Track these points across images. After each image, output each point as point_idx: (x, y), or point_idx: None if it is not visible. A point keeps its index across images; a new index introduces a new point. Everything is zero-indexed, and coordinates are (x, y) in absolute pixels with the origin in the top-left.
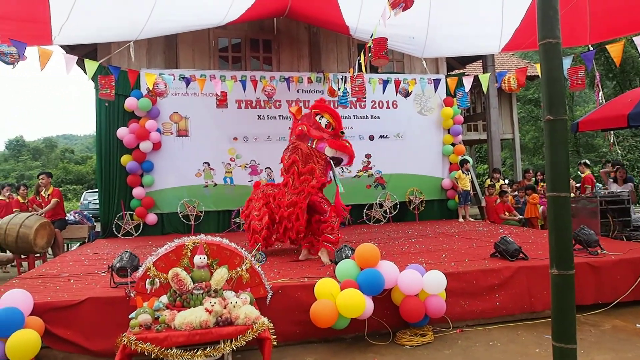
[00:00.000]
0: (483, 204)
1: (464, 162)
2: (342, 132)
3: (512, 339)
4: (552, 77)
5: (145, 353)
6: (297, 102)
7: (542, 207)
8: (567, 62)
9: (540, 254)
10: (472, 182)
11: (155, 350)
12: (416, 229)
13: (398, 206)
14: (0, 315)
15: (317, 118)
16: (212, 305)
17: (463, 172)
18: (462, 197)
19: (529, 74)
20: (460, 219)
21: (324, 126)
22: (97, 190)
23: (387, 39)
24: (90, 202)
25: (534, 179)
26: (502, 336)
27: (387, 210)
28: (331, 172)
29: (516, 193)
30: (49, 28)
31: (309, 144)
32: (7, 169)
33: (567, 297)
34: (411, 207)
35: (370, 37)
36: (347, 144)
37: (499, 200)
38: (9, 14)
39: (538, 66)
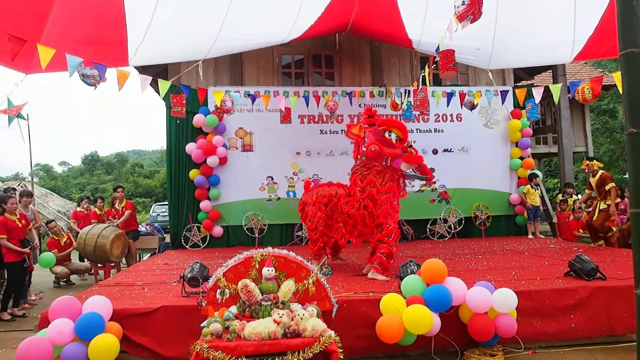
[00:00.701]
0: (554, 220)
1: (533, 177)
2: (410, 146)
3: None
4: (635, 88)
5: None
6: (359, 117)
7: (618, 220)
8: None
9: (619, 274)
10: (541, 197)
11: (226, 359)
12: (483, 246)
13: (463, 221)
14: (84, 320)
15: (387, 134)
16: (280, 317)
17: (532, 187)
18: (532, 212)
19: (604, 84)
20: (530, 236)
21: (394, 141)
22: (165, 203)
23: (454, 51)
24: (159, 215)
25: None
26: (578, 359)
27: (452, 226)
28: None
29: (590, 209)
30: (125, 50)
31: (384, 162)
32: (82, 183)
33: None
34: (477, 223)
35: (436, 50)
36: (419, 156)
37: (572, 217)
38: (90, 38)
39: (616, 75)
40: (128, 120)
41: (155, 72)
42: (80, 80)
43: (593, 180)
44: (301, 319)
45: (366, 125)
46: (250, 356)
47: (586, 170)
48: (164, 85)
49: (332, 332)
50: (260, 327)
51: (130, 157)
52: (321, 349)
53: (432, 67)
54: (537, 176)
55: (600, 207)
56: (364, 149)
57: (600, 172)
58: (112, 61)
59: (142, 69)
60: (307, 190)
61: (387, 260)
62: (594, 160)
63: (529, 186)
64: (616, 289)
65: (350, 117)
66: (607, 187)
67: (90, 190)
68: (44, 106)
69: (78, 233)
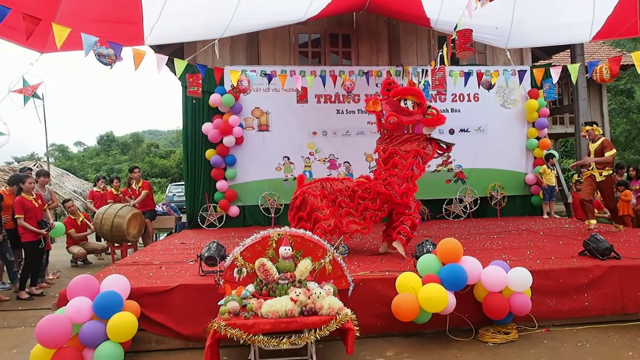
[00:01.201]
0: (570, 200)
1: (549, 157)
2: (429, 107)
3: (603, 340)
4: None
5: (235, 338)
6: (376, 97)
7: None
8: None
9: (633, 253)
10: (557, 177)
11: (244, 336)
12: (498, 225)
13: (479, 201)
14: (102, 298)
15: (402, 103)
16: (297, 295)
17: (548, 167)
18: (547, 192)
19: (621, 63)
20: (545, 216)
21: (411, 108)
22: (181, 183)
23: (472, 31)
24: (175, 195)
25: (626, 174)
26: (591, 337)
27: (467, 206)
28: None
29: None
30: (141, 29)
31: (405, 131)
32: (98, 163)
33: None
34: (492, 203)
35: (454, 29)
36: (439, 115)
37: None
38: (105, 16)
39: (634, 55)
40: (144, 101)
41: (171, 52)
42: (96, 59)
43: (593, 146)
44: (318, 297)
45: (382, 97)
46: (267, 334)
47: (586, 137)
48: (180, 64)
49: (349, 310)
50: (277, 305)
51: (145, 137)
52: (337, 326)
53: (450, 46)
54: (554, 156)
55: (597, 180)
56: (384, 122)
57: (602, 138)
58: (127, 40)
59: (158, 48)
60: (301, 184)
61: (412, 231)
62: (595, 125)
63: (545, 166)
64: (630, 268)
65: (366, 97)
66: (606, 154)
67: (105, 170)
68: (60, 86)
69: (95, 213)
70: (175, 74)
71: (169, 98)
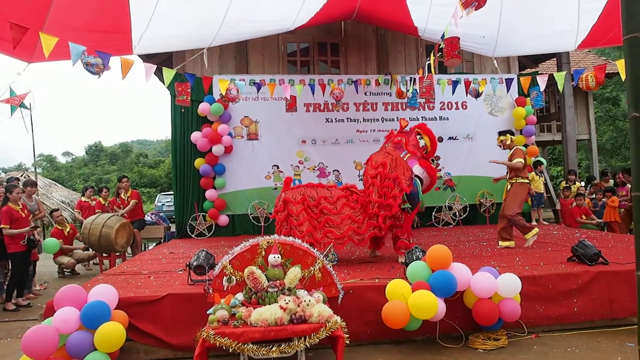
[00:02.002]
0: (558, 207)
1: (537, 164)
2: (433, 160)
3: (592, 346)
4: (638, 75)
5: (224, 347)
6: (364, 104)
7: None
8: None
9: (621, 259)
10: (545, 184)
11: (233, 345)
12: (487, 232)
13: (468, 209)
14: (89, 308)
15: (418, 137)
16: (287, 303)
17: (536, 174)
18: (535, 199)
19: (607, 72)
20: (534, 222)
21: (421, 146)
22: (170, 192)
23: (459, 38)
24: (164, 204)
25: (612, 180)
26: (580, 343)
27: (457, 213)
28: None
29: (593, 196)
30: (129, 38)
31: (402, 156)
32: (87, 173)
33: None
34: (482, 210)
35: (441, 38)
36: (437, 170)
37: (575, 204)
38: (93, 25)
39: (619, 63)
40: (132, 111)
41: (160, 61)
42: (84, 68)
43: (508, 156)
44: (307, 305)
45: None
46: (256, 342)
47: (501, 147)
48: (169, 73)
49: (338, 318)
50: (267, 314)
51: (134, 147)
52: (327, 334)
53: (438, 55)
54: (542, 163)
55: (508, 189)
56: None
57: (515, 147)
58: (115, 49)
59: (147, 58)
60: (287, 187)
61: (408, 240)
62: (508, 135)
63: (533, 173)
64: (618, 273)
65: (355, 105)
66: (514, 161)
67: (94, 180)
68: (47, 96)
69: (82, 223)
70: (163, 83)
71: (158, 108)
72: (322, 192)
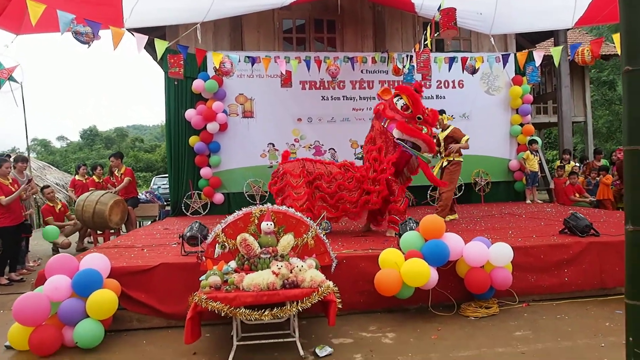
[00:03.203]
0: (552, 186)
1: (532, 142)
2: (419, 117)
3: (581, 313)
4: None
5: (216, 312)
6: (360, 82)
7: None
8: None
9: (612, 231)
10: (540, 163)
11: (225, 309)
12: (481, 210)
13: (463, 187)
14: (81, 276)
15: (396, 99)
16: (279, 268)
17: (531, 153)
18: (530, 178)
19: (603, 53)
20: (528, 201)
21: (399, 107)
22: (165, 175)
23: (455, 9)
24: (160, 187)
25: (603, 160)
26: (570, 311)
27: None
28: (411, 152)
29: (586, 175)
30: (120, 10)
31: (382, 123)
32: (82, 157)
33: None
34: (476, 189)
35: (438, 9)
36: (421, 129)
37: (568, 182)
38: None
39: (615, 36)
40: (128, 96)
41: (153, 38)
42: (73, 37)
43: (442, 135)
44: (300, 270)
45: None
46: (249, 307)
47: (436, 126)
48: (161, 45)
49: (331, 283)
50: (259, 279)
51: (130, 132)
52: (319, 298)
53: (434, 30)
54: (536, 142)
55: (444, 165)
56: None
57: (452, 126)
58: (106, 22)
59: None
60: (286, 160)
61: (400, 217)
62: (444, 114)
63: (528, 152)
64: (609, 244)
65: (351, 83)
66: (462, 140)
67: (89, 165)
68: (41, 80)
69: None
70: (156, 60)
71: (154, 92)
72: (320, 167)
